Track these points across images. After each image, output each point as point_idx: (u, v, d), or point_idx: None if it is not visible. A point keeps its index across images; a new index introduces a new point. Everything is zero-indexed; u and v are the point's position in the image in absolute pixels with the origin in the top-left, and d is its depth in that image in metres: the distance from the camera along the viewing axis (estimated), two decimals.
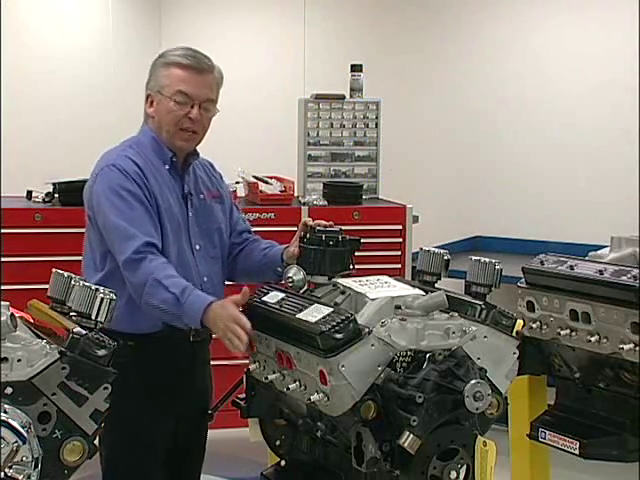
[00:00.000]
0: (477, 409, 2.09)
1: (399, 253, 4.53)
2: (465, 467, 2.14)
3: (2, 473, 1.77)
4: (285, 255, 2.71)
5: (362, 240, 2.64)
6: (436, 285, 2.53)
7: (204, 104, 2.65)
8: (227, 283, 2.86)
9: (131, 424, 2.59)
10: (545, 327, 2.82)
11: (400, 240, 4.54)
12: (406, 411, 2.06)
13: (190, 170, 2.77)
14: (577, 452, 2.80)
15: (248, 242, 2.89)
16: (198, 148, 2.80)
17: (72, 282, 2.07)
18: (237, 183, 4.66)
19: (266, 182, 4.65)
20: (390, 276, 2.51)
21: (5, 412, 1.80)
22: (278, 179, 4.75)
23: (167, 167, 2.69)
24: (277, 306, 2.34)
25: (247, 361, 2.49)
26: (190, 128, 2.65)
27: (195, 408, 2.76)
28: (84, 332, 1.94)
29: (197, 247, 2.71)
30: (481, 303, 2.36)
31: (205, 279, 2.71)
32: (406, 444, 2.05)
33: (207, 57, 2.69)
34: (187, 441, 2.80)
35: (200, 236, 2.73)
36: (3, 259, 3.81)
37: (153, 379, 2.63)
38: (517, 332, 2.53)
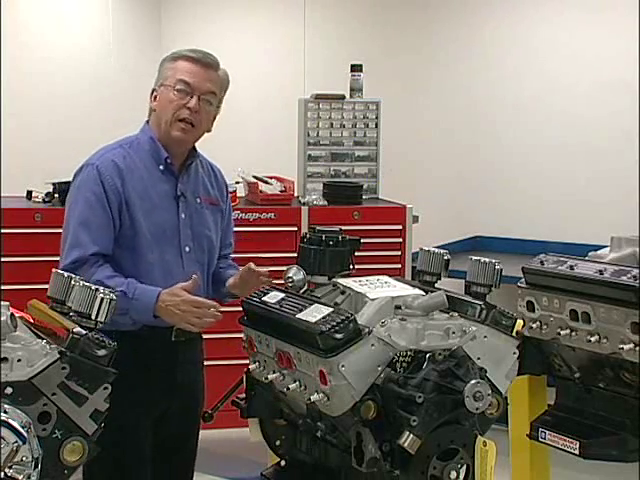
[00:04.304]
0: (477, 409, 2.09)
1: (399, 253, 4.53)
2: (465, 467, 2.14)
3: (2, 473, 1.77)
4: (227, 284, 2.77)
5: (362, 240, 2.64)
6: (436, 285, 2.53)
7: (204, 96, 2.64)
8: None
9: (111, 421, 2.52)
10: (545, 327, 2.82)
11: (400, 240, 4.55)
12: (406, 411, 2.06)
13: (189, 171, 2.76)
14: (577, 452, 2.79)
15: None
16: (205, 145, 2.79)
17: (72, 282, 2.07)
18: (237, 183, 4.66)
19: (266, 182, 4.65)
20: (390, 276, 2.51)
21: (5, 412, 1.80)
22: (278, 179, 4.75)
23: (161, 167, 2.69)
24: (277, 306, 2.34)
25: (247, 361, 2.49)
26: (188, 119, 2.64)
27: (180, 408, 2.76)
28: (84, 332, 1.94)
29: (187, 249, 2.70)
30: (481, 303, 2.35)
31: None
32: (406, 444, 2.05)
33: (215, 58, 2.71)
34: (174, 441, 2.80)
35: (191, 239, 2.72)
36: (3, 259, 3.82)
37: (131, 377, 2.55)
38: (517, 332, 2.53)
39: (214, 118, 2.75)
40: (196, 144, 2.78)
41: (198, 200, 2.76)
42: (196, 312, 2.45)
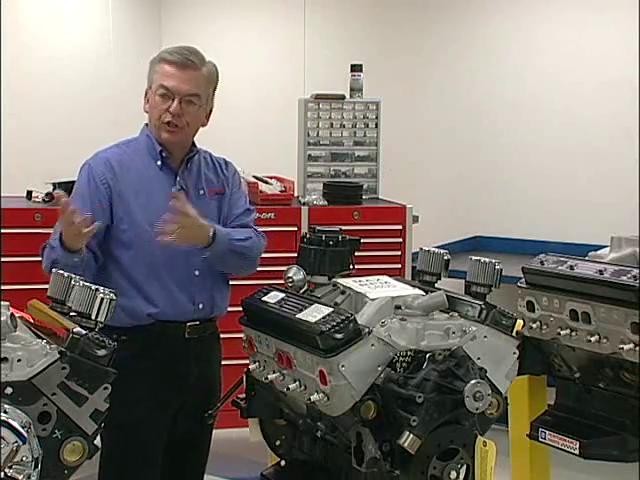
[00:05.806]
0: (477, 409, 2.09)
1: (399, 253, 4.53)
2: (465, 467, 2.15)
3: (2, 473, 1.77)
4: None
5: (362, 240, 2.65)
6: (436, 285, 2.53)
7: (186, 98, 2.70)
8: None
9: (121, 419, 2.44)
10: (545, 327, 2.82)
11: (400, 240, 4.54)
12: (406, 411, 2.06)
13: (191, 166, 2.79)
14: (577, 452, 2.79)
15: None
16: (204, 146, 2.83)
17: (72, 282, 2.07)
18: None
19: (266, 182, 4.65)
20: (390, 276, 2.51)
21: (5, 412, 1.80)
22: (278, 179, 4.75)
23: (159, 163, 2.75)
24: (277, 306, 2.34)
25: (247, 361, 2.49)
26: (171, 122, 2.70)
27: (194, 406, 2.76)
28: (84, 332, 1.94)
29: None
30: (481, 303, 2.35)
31: (197, 272, 2.73)
32: (406, 444, 2.05)
33: (198, 54, 2.75)
34: (188, 438, 2.80)
35: None
36: (3, 259, 3.81)
37: (142, 375, 2.63)
38: (517, 332, 2.53)
39: (210, 112, 2.80)
40: (200, 143, 2.81)
41: (202, 192, 2.80)
42: (70, 224, 2.53)
